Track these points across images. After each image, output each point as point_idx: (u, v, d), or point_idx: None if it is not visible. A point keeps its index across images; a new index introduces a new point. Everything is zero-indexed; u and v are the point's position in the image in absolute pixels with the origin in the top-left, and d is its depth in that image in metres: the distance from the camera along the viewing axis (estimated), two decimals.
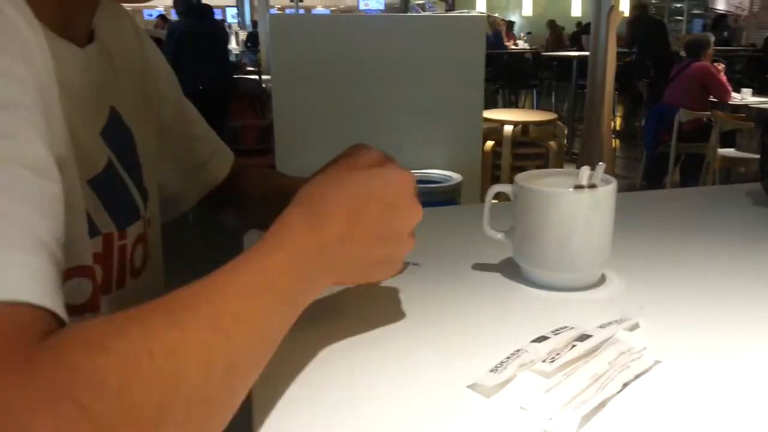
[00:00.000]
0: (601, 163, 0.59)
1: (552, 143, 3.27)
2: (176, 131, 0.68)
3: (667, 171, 4.50)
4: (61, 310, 0.31)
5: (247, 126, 5.01)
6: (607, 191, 0.59)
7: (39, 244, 0.31)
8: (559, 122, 3.65)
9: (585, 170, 0.58)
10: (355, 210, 0.45)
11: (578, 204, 0.58)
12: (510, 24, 11.97)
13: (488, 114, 3.36)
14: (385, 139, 2.58)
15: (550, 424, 0.40)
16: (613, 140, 5.91)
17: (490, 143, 3.27)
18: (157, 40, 5.19)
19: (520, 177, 0.63)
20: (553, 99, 7.59)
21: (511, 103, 7.42)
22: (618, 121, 6.99)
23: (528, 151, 3.34)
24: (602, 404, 0.42)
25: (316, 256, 0.43)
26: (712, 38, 4.92)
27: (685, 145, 4.41)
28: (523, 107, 7.43)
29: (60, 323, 0.31)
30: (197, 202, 0.73)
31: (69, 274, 0.45)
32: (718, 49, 6.99)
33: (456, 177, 2.56)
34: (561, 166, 4.03)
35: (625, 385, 0.45)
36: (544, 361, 0.47)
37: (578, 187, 0.59)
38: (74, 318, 0.45)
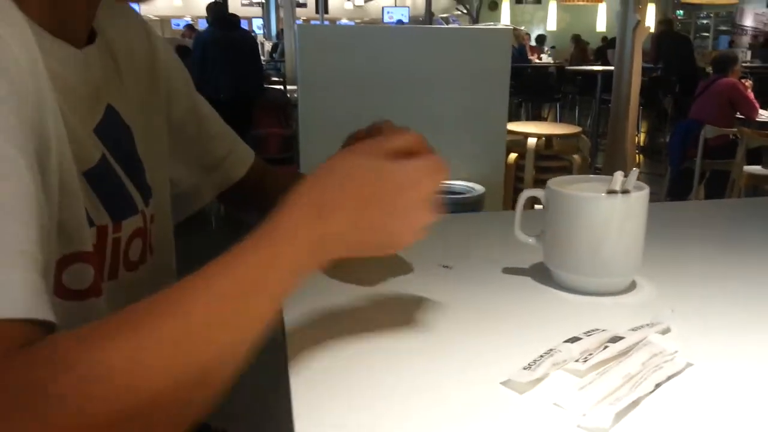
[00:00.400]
0: (634, 169, 0.60)
1: (576, 156, 3.26)
2: (188, 129, 0.70)
3: (692, 187, 4.45)
4: (44, 313, 0.34)
5: (271, 135, 5.05)
6: (640, 197, 0.60)
7: (14, 254, 0.34)
8: (582, 136, 3.63)
9: (618, 175, 0.59)
10: (358, 212, 0.44)
11: (611, 209, 0.59)
12: (541, 38, 11.97)
13: (512, 126, 3.36)
14: None
15: (584, 420, 0.41)
16: (637, 155, 5.87)
17: (513, 155, 3.27)
18: (185, 48, 5.28)
19: (552, 182, 0.64)
20: (577, 113, 7.56)
21: (535, 117, 7.40)
22: (642, 136, 6.94)
23: (551, 164, 3.33)
24: (635, 403, 0.43)
25: (310, 250, 0.42)
26: (740, 54, 4.88)
27: (711, 162, 4.36)
28: (546, 121, 7.41)
29: (45, 325, 0.34)
30: (213, 198, 0.75)
31: (70, 259, 0.47)
32: (745, 66, 6.92)
33: (479, 188, 2.56)
34: None
35: (658, 385, 0.45)
36: (576, 360, 0.48)
37: (611, 192, 0.59)
38: (79, 302, 0.48)
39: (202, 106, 0.72)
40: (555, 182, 0.64)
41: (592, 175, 0.66)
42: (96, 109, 0.53)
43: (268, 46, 8.78)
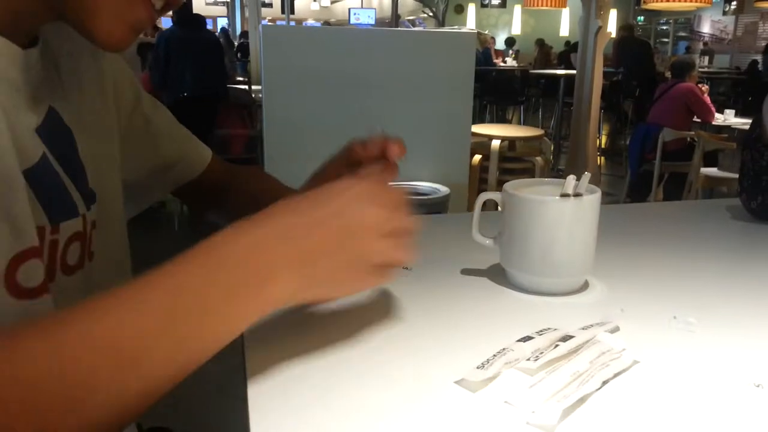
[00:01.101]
0: (586, 173, 0.62)
1: (538, 158, 3.32)
2: (136, 130, 0.70)
3: (651, 189, 4.56)
4: None
5: (235, 135, 5.02)
6: (592, 200, 0.61)
7: None
8: (545, 138, 3.69)
9: (571, 179, 0.61)
10: (305, 270, 0.44)
11: (563, 212, 0.61)
12: (510, 41, 12.09)
13: (476, 129, 3.40)
14: None
15: (533, 417, 0.42)
16: (599, 157, 5.99)
17: (477, 157, 3.31)
18: (149, 45, 5.20)
19: (508, 185, 0.65)
20: (540, 116, 7.68)
21: (499, 119, 7.49)
22: (603, 138, 7.08)
23: (514, 165, 3.38)
24: (582, 399, 0.44)
25: (253, 313, 0.43)
26: (697, 60, 5.02)
27: (669, 164, 4.48)
28: (510, 123, 7.50)
29: None
30: (165, 196, 0.77)
31: (24, 256, 0.47)
32: (702, 71, 7.11)
33: (444, 190, 2.59)
34: None
35: (605, 382, 0.47)
36: (528, 359, 0.49)
37: (564, 195, 0.61)
38: (30, 301, 0.47)
39: (150, 106, 0.72)
40: (511, 185, 0.65)
41: (548, 179, 0.68)
42: (37, 109, 0.53)
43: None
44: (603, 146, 6.98)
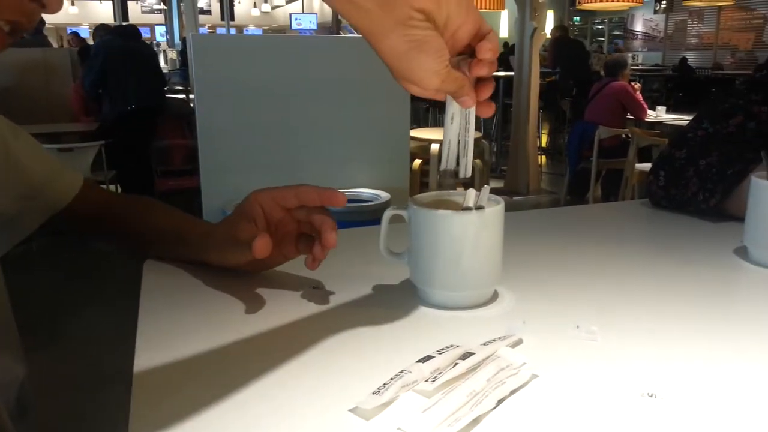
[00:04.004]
0: (485, 186, 0.62)
1: (477, 161, 3.35)
2: None
3: (590, 186, 4.68)
4: None
5: (175, 146, 4.91)
6: (494, 212, 0.61)
7: None
8: (483, 140, 3.74)
9: (471, 192, 0.61)
10: None
11: (465, 225, 0.60)
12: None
13: (415, 133, 3.42)
14: (314, 158, 2.59)
15: None
16: (539, 157, 6.11)
17: (417, 161, 3.33)
18: (86, 49, 5.07)
19: (413, 199, 0.65)
20: (481, 117, 7.78)
21: (442, 122, 7.55)
22: (543, 138, 7.23)
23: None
24: (476, 421, 0.44)
25: None
26: (629, 59, 5.18)
27: (606, 161, 4.60)
28: None
29: None
30: (37, 226, 0.75)
31: None
32: (635, 69, 7.33)
33: (384, 195, 2.59)
34: (487, 183, 4.13)
35: (500, 401, 0.46)
36: (426, 380, 0.48)
37: (466, 208, 0.61)
38: None
39: (10, 134, 0.70)
40: (416, 199, 0.65)
41: (457, 191, 0.67)
42: None
43: (171, 54, 8.53)
44: (543, 145, 7.12)
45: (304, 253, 0.66)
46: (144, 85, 4.59)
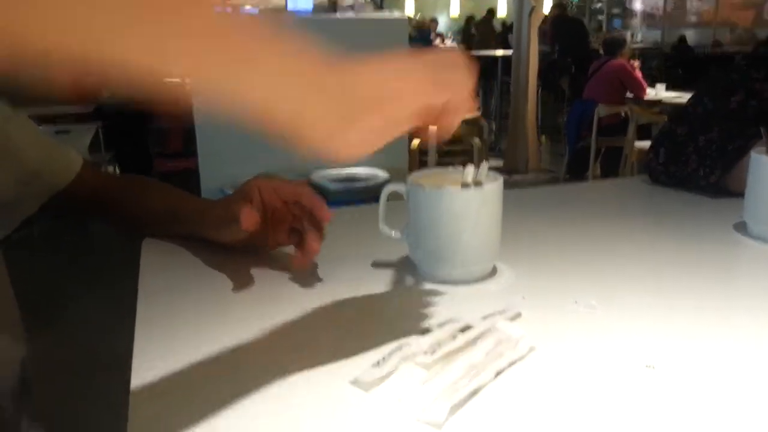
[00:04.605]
0: (484, 162, 0.62)
1: (476, 140, 3.34)
2: None
3: (589, 164, 4.67)
4: None
5: (173, 129, 4.89)
6: (493, 188, 0.61)
7: None
8: (482, 120, 3.72)
9: (470, 169, 0.61)
10: None
11: (465, 201, 0.60)
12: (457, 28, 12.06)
13: None
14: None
15: (422, 414, 0.41)
16: (538, 135, 6.09)
17: (416, 141, 3.31)
18: None
19: (412, 176, 0.65)
20: (481, 97, 7.74)
21: None
22: (542, 117, 7.20)
23: (453, 148, 3.40)
24: (474, 392, 0.44)
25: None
26: (628, 37, 5.14)
27: (605, 139, 4.58)
28: None
29: None
30: (37, 208, 0.75)
31: None
32: (634, 46, 7.27)
33: (383, 175, 2.58)
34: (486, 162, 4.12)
35: (499, 373, 0.47)
36: (426, 353, 0.49)
37: (465, 185, 0.61)
38: None
39: (2, 120, 0.70)
40: (414, 176, 0.65)
41: (452, 168, 0.67)
42: None
43: None
44: (542, 124, 7.09)
45: (295, 246, 0.68)
46: None
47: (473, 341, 0.50)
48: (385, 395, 0.45)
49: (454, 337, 0.50)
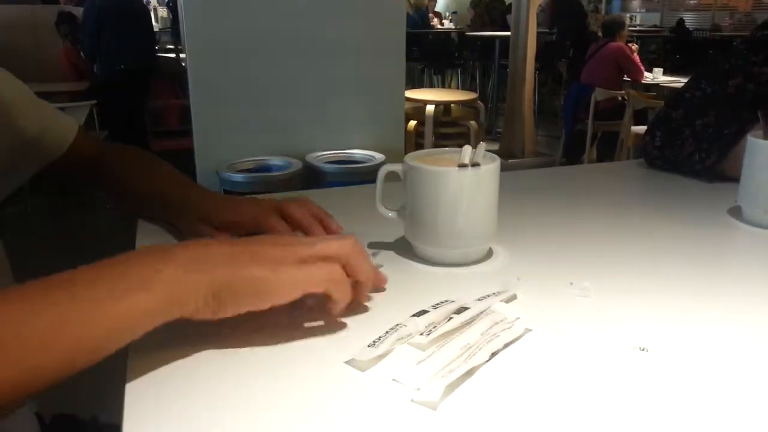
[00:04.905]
0: (481, 143, 0.61)
1: (473, 122, 3.33)
2: None
3: (585, 148, 4.66)
4: None
5: (169, 106, 4.86)
6: (490, 169, 0.61)
7: None
8: (479, 101, 3.71)
9: (467, 149, 0.60)
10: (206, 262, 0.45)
11: (461, 182, 0.60)
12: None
13: (410, 94, 3.39)
14: (307, 118, 2.56)
15: (417, 394, 0.42)
16: (535, 118, 6.07)
17: (413, 123, 3.31)
18: (68, 15, 4.94)
19: (408, 156, 0.64)
20: (478, 79, 7.71)
21: (439, 83, 7.48)
22: (539, 99, 7.17)
23: (450, 130, 3.40)
24: (469, 373, 0.44)
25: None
26: (627, 19, 5.11)
27: (601, 123, 4.57)
28: (449, 87, 7.51)
29: None
30: (32, 174, 0.75)
31: None
32: (632, 30, 7.24)
33: (379, 157, 2.56)
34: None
35: (494, 354, 0.47)
36: (421, 334, 0.49)
37: (462, 165, 0.61)
38: None
39: (3, 90, 0.69)
40: (411, 157, 0.65)
41: (451, 149, 0.67)
42: None
43: (162, 12, 8.37)
44: (539, 107, 7.07)
45: None
46: (136, 43, 4.50)
47: (469, 322, 0.50)
48: (381, 375, 0.45)
49: (449, 318, 0.50)
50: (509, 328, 0.50)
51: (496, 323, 0.50)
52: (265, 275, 0.46)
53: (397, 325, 0.49)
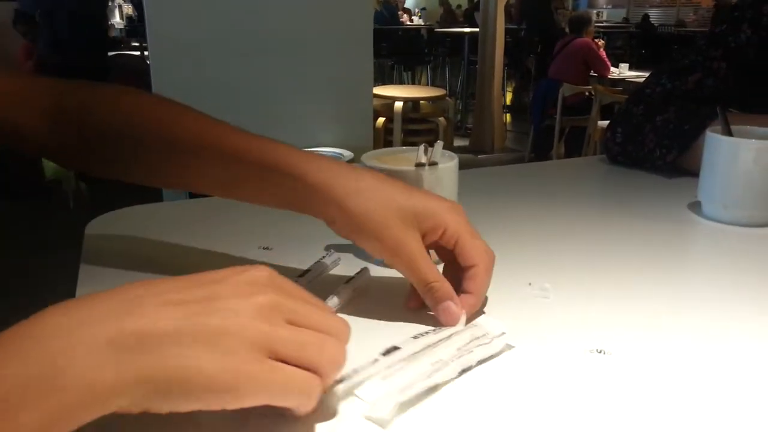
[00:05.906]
0: (438, 141, 0.60)
1: (441, 119, 3.33)
2: None
3: (553, 143, 4.70)
4: None
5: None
6: (448, 168, 0.60)
7: None
8: (448, 98, 3.71)
9: (422, 148, 0.59)
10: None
11: (418, 182, 0.59)
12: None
13: (379, 90, 3.37)
14: (275, 116, 2.53)
15: (370, 411, 0.39)
16: (504, 114, 6.11)
17: (381, 120, 3.29)
18: (24, 14, 4.80)
19: (366, 156, 0.63)
20: (447, 75, 7.72)
21: (409, 80, 7.48)
22: (508, 95, 7.22)
23: (419, 127, 3.39)
24: (434, 389, 0.42)
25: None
26: (594, 15, 5.16)
27: (569, 119, 4.62)
28: (419, 83, 7.51)
29: None
30: None
31: None
32: (599, 26, 7.32)
33: (348, 154, 2.55)
34: (451, 141, 4.13)
35: (464, 371, 0.44)
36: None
37: (419, 165, 0.59)
38: None
39: None
40: (369, 156, 0.63)
41: (407, 147, 0.66)
42: None
43: (127, 9, 8.21)
44: (508, 103, 7.11)
45: None
46: (89, 39, 4.35)
47: (448, 337, 0.48)
48: (346, 389, 0.42)
49: (434, 329, 0.48)
50: (488, 343, 0.46)
51: (476, 338, 0.48)
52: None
53: (376, 360, 0.45)
